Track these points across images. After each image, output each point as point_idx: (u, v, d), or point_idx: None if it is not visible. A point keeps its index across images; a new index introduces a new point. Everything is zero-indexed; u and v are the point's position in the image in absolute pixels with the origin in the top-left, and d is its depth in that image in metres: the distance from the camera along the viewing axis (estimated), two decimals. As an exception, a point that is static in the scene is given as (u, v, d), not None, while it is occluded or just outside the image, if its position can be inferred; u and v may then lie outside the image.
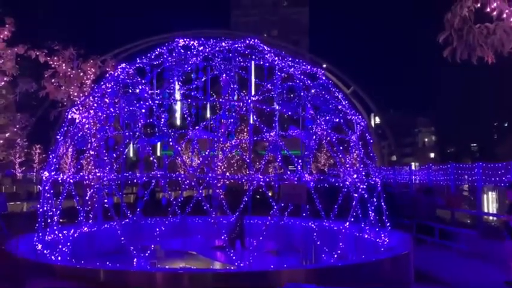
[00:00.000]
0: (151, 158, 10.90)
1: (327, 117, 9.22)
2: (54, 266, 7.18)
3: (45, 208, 9.13)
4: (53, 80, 13.44)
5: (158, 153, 13.19)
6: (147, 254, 7.83)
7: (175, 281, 6.39)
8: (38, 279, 6.61)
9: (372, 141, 10.21)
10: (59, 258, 8.03)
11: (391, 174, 21.33)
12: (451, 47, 5.42)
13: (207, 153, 9.25)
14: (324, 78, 9.70)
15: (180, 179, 9.11)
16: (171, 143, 8.65)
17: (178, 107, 11.94)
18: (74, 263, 7.62)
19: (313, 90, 9.16)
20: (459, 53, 5.37)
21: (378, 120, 67.35)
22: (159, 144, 12.54)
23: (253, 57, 10.47)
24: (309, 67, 9.87)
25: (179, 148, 8.85)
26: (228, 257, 8.61)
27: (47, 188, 9.06)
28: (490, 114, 67.85)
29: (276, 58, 9.49)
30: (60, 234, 9.11)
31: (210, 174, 9.07)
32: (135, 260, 7.62)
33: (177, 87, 9.82)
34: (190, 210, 12.36)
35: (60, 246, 8.37)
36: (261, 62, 10.31)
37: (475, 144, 73.14)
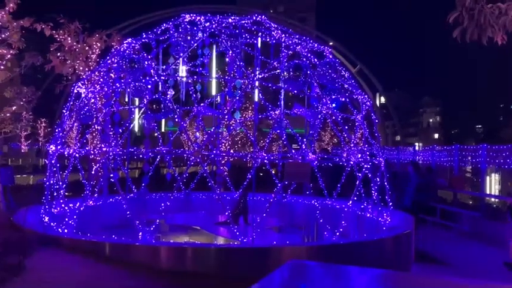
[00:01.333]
0: (156, 134, 10.94)
1: (333, 96, 9.18)
2: (61, 238, 7.31)
3: (51, 181, 9.25)
4: (58, 54, 13.37)
5: (163, 129, 13.24)
6: (152, 228, 7.94)
7: (179, 255, 6.50)
8: (45, 250, 6.74)
9: (377, 121, 10.19)
10: (66, 230, 8.17)
11: (394, 154, 21.31)
12: (461, 27, 5.34)
13: (211, 130, 9.28)
14: (330, 56, 9.62)
15: (185, 155, 9.17)
16: (176, 119, 8.66)
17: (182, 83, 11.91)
18: (81, 236, 7.75)
19: (319, 69, 9.10)
20: (469, 34, 5.29)
21: (383, 99, 66.93)
22: (164, 120, 12.58)
23: (260, 34, 10.37)
24: (316, 45, 9.78)
25: (184, 124, 8.86)
26: (231, 233, 8.73)
27: (53, 161, 9.15)
28: (496, 96, 67.25)
29: (283, 35, 9.40)
30: (66, 208, 9.25)
31: (214, 151, 9.13)
32: (140, 233, 7.74)
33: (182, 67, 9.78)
34: (194, 186, 12.48)
35: (66, 219, 8.50)
36: (268, 39, 10.21)
37: (480, 126, 72.75)
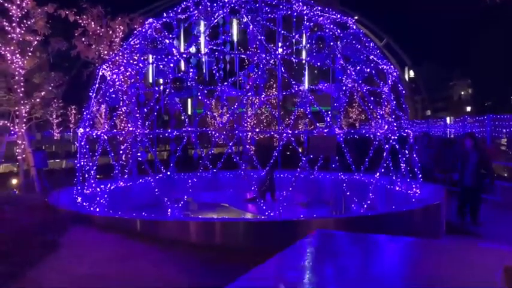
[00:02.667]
0: (182, 116, 11.03)
1: (358, 68, 8.98)
2: (94, 217, 7.51)
3: (82, 163, 9.49)
4: (83, 39, 13.60)
5: (189, 112, 13.31)
6: (180, 205, 8.07)
7: (208, 230, 6.58)
8: (78, 228, 6.96)
9: (404, 92, 9.92)
10: (98, 209, 8.41)
11: (425, 127, 20.85)
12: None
13: (236, 108, 9.25)
14: (354, 27, 9.37)
15: (210, 133, 9.21)
16: (200, 98, 8.68)
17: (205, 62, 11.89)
18: (112, 214, 7.95)
19: (344, 40, 8.88)
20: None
21: (412, 73, 65.25)
22: (189, 102, 12.64)
23: (281, 7, 10.18)
24: (339, 16, 9.54)
25: (208, 103, 8.88)
26: (259, 208, 8.78)
27: (82, 143, 9.36)
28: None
29: (305, 7, 9.20)
30: (97, 188, 9.50)
31: (239, 129, 9.12)
32: (169, 210, 7.89)
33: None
34: (221, 165, 12.58)
35: (98, 199, 8.74)
36: (289, 12, 10.02)
37: (515, 97, 69.99)
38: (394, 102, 9.42)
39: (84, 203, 8.81)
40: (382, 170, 8.56)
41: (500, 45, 63.93)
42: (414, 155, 9.27)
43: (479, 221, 9.18)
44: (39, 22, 11.31)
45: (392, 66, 9.59)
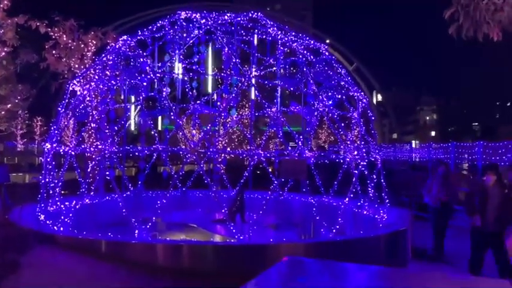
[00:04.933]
0: (152, 132, 10.92)
1: (329, 94, 9.18)
2: (57, 236, 7.28)
3: (47, 179, 9.21)
4: (54, 52, 13.34)
5: (159, 127, 13.19)
6: (148, 226, 7.92)
7: (176, 253, 6.49)
8: (40, 248, 6.72)
9: (373, 118, 10.19)
10: (61, 228, 8.14)
11: (391, 152, 21.38)
12: (457, 24, 5.34)
13: (208, 127, 9.26)
14: (327, 53, 9.61)
15: (181, 152, 9.15)
16: (172, 117, 8.64)
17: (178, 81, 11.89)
18: (76, 233, 7.71)
19: (316, 66, 9.08)
20: (465, 30, 5.30)
21: (380, 97, 67.04)
22: (160, 118, 12.53)
23: (256, 31, 10.35)
24: (312, 42, 9.77)
25: (180, 122, 8.84)
26: (228, 230, 8.72)
27: (48, 159, 9.11)
28: (493, 93, 67.37)
29: (279, 32, 9.38)
30: (62, 206, 9.21)
31: (211, 149, 9.10)
32: (136, 231, 7.72)
33: (178, 65, 9.73)
34: (191, 184, 12.46)
35: (62, 217, 8.47)
36: (264, 37, 10.20)
37: (476, 123, 72.92)
38: (364, 127, 9.65)
39: (48, 221, 8.52)
40: (351, 195, 8.70)
41: (464, 75, 66.76)
42: (382, 180, 9.46)
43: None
44: (9, 33, 11.05)
45: (362, 93, 9.86)
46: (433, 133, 79.48)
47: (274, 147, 27.72)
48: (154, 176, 13.19)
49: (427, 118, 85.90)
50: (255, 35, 10.61)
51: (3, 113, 11.64)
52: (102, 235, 7.77)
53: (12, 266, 5.83)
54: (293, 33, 9.63)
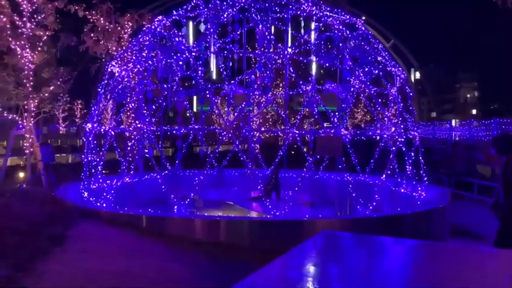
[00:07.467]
0: (188, 114, 11.05)
1: (366, 69, 8.99)
2: (100, 212, 7.57)
3: (89, 158, 9.55)
4: (92, 35, 13.69)
5: (195, 109, 13.34)
6: (186, 203, 8.11)
7: (213, 228, 6.63)
8: (85, 223, 7.02)
9: (411, 94, 9.92)
10: (104, 205, 8.47)
11: (430, 130, 20.80)
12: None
13: (242, 106, 9.29)
14: (363, 28, 9.38)
15: (217, 131, 9.25)
16: (207, 96, 8.72)
17: (213, 60, 11.92)
18: (118, 209, 8.01)
19: (352, 42, 8.89)
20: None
21: (418, 75, 65.03)
22: (195, 99, 12.67)
23: (290, 7, 10.19)
24: (348, 17, 9.54)
25: (216, 101, 8.91)
26: (264, 207, 8.82)
27: (90, 139, 9.43)
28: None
29: (314, 8, 9.21)
30: (104, 184, 9.56)
31: (246, 128, 9.16)
32: (175, 208, 7.93)
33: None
34: (226, 163, 12.61)
35: (104, 194, 8.80)
36: (298, 13, 10.03)
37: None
38: (401, 104, 9.42)
39: (91, 198, 8.88)
40: (388, 172, 8.57)
41: (507, 50, 63.52)
42: (420, 157, 9.26)
43: None
44: (50, 17, 11.40)
45: (400, 68, 9.59)
46: (473, 111, 76.56)
47: (309, 127, 27.49)
48: (191, 155, 13.43)
49: (468, 96, 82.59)
50: (290, 11, 10.46)
51: (46, 95, 12.07)
52: (142, 211, 8.03)
53: (59, 239, 6.14)
54: (328, 9, 9.43)
